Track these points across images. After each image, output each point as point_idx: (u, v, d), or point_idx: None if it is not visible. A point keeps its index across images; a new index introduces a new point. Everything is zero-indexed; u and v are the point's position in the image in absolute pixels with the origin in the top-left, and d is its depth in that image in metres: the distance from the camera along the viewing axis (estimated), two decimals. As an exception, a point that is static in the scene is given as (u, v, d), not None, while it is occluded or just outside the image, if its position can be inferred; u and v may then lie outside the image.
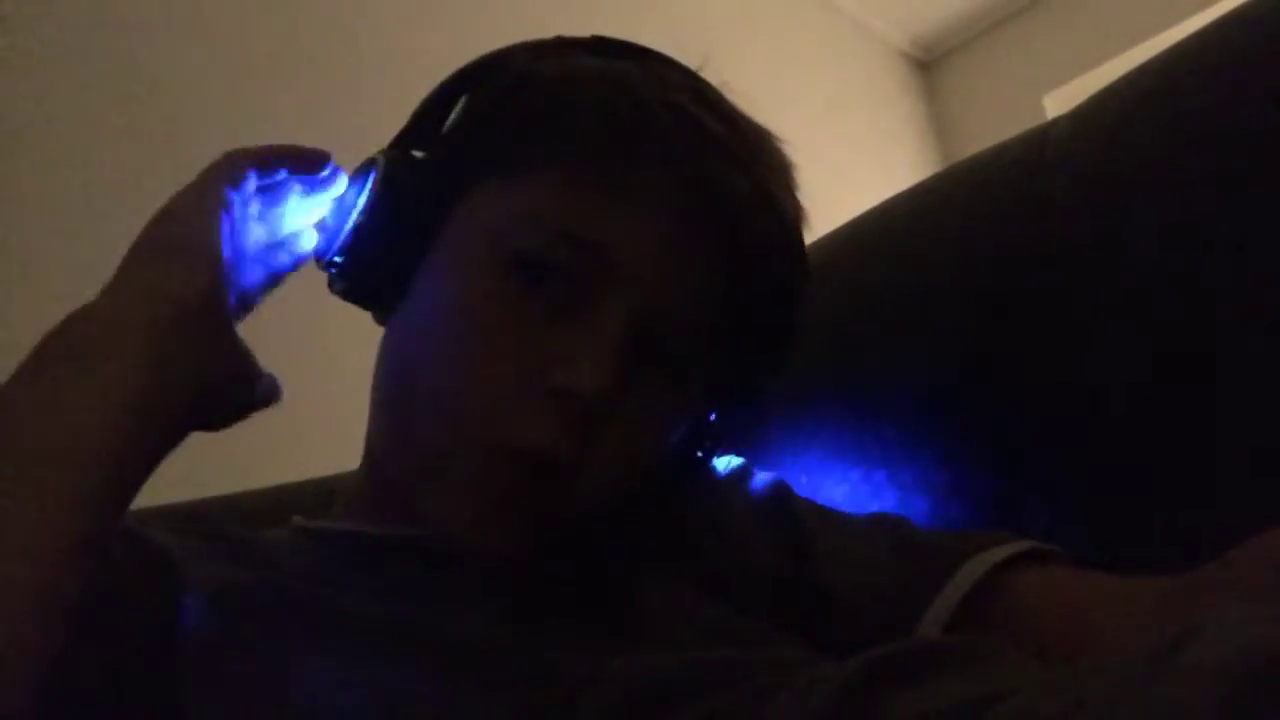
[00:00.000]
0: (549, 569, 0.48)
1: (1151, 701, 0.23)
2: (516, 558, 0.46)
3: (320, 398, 1.15)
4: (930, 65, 3.35)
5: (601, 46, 0.53)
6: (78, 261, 1.15)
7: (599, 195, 0.46)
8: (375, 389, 0.51)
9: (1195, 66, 0.56)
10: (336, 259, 0.50)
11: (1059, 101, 2.93)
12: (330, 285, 0.52)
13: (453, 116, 0.50)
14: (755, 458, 0.62)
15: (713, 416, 0.55)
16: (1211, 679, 0.22)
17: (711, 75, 0.54)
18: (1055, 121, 0.64)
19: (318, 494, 0.76)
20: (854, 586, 0.51)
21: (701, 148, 0.47)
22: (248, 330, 0.49)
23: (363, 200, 0.49)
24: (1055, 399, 0.57)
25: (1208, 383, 0.51)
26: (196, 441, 0.45)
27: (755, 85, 0.56)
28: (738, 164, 0.48)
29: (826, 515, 0.56)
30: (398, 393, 0.49)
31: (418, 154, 0.51)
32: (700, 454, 0.55)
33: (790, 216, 0.52)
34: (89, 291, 0.44)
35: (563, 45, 0.53)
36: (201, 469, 0.72)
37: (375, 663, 0.42)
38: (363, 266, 0.49)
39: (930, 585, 0.48)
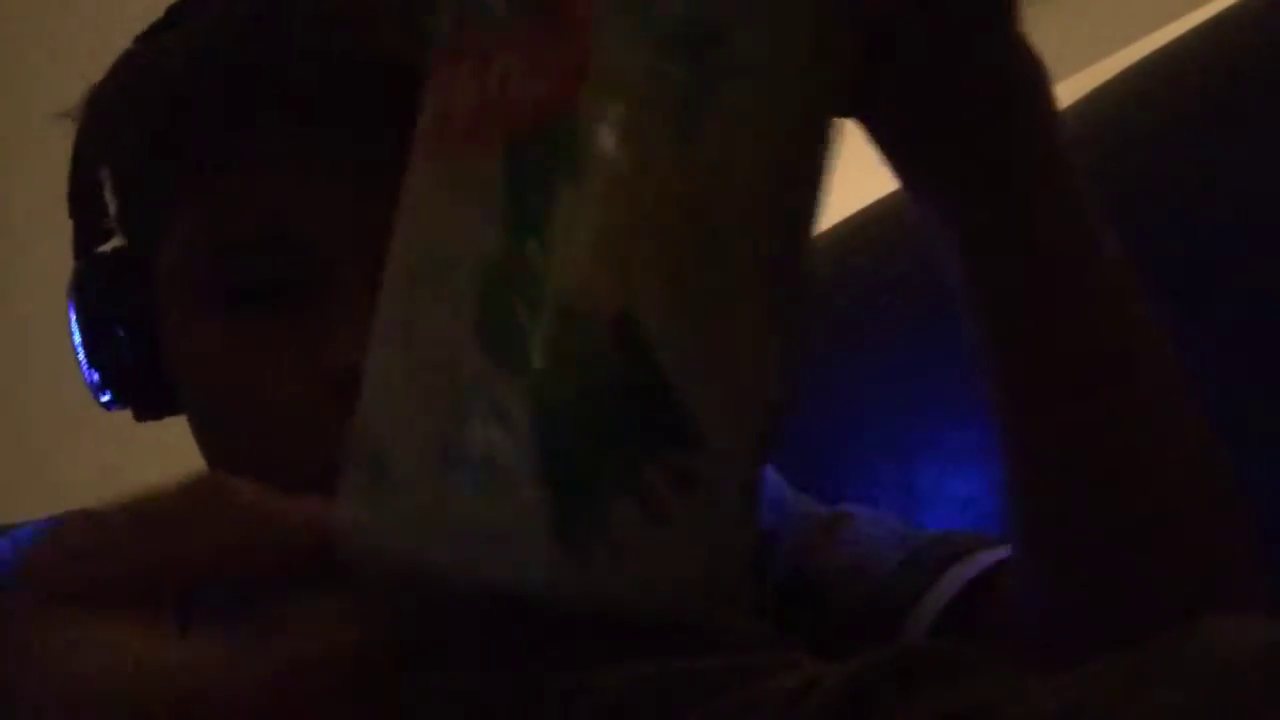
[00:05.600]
0: None
1: (1149, 702, 0.23)
2: None
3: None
4: (930, 60, 3.35)
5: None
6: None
7: (248, 180, 0.42)
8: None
9: (1196, 62, 0.56)
10: (100, 394, 0.47)
11: (1058, 96, 2.93)
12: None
13: (109, 195, 0.47)
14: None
15: None
16: (1208, 679, 0.22)
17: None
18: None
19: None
20: (844, 566, 0.50)
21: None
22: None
23: (75, 331, 0.47)
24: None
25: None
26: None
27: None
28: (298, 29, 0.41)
29: (809, 500, 0.55)
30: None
31: (106, 248, 0.48)
32: None
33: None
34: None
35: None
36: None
37: None
38: (117, 384, 0.47)
39: (929, 573, 0.47)
